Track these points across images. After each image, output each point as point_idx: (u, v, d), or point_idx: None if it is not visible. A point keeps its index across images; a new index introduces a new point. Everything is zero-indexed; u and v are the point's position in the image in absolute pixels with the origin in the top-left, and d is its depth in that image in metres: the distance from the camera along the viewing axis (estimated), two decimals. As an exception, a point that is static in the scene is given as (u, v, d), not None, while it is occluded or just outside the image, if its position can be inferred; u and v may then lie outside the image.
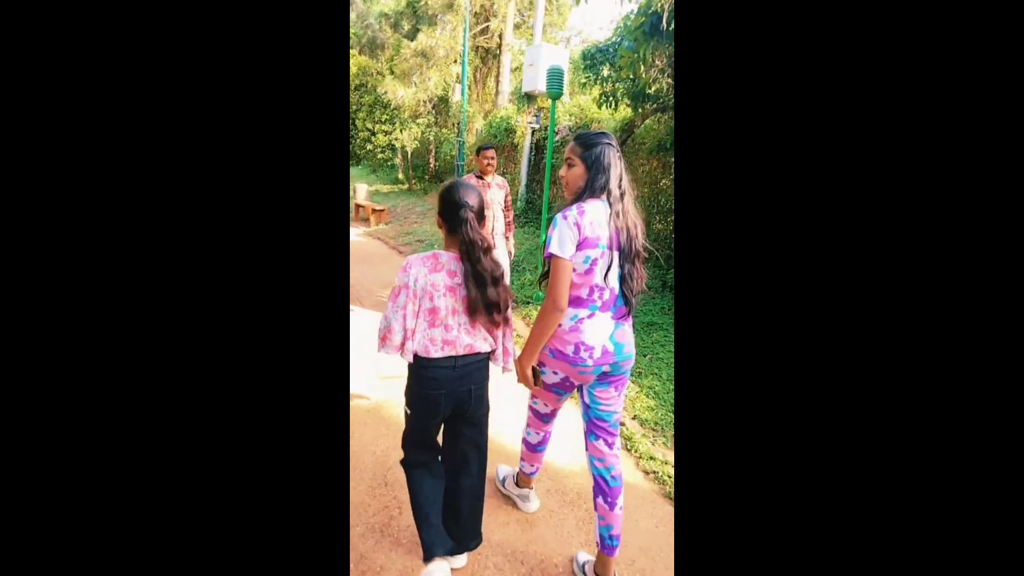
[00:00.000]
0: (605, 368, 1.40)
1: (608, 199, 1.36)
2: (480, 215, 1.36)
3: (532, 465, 1.78)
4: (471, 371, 1.38)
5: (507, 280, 1.54)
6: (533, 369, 1.46)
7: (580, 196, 1.38)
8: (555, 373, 1.44)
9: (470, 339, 1.35)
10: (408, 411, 1.42)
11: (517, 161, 8.29)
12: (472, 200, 1.34)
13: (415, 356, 1.32)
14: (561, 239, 1.30)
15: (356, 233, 9.00)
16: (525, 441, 1.74)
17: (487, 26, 11.34)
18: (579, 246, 1.31)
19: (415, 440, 1.45)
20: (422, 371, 1.34)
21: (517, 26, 12.02)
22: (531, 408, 1.67)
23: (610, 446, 1.48)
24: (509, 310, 1.43)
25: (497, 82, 11.53)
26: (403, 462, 1.49)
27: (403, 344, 1.31)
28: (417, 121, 11.71)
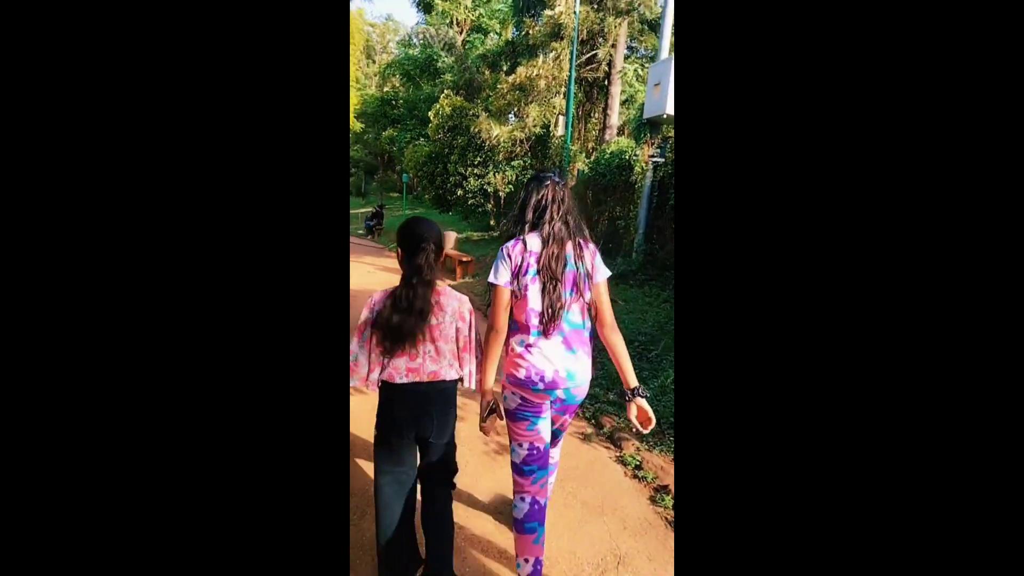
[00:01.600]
0: (559, 394, 1.44)
1: (539, 231, 1.43)
2: (439, 250, 1.43)
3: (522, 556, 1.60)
4: (433, 396, 1.41)
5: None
6: (491, 410, 1.49)
7: (514, 230, 1.48)
8: (513, 395, 1.48)
9: (435, 366, 1.41)
10: (376, 431, 1.46)
11: (634, 203, 6.60)
12: (431, 234, 1.41)
13: (382, 382, 1.41)
14: (496, 269, 1.42)
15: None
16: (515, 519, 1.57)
17: (594, 55, 10.07)
18: (514, 274, 1.39)
19: (383, 456, 1.47)
20: (387, 394, 1.41)
21: (625, 57, 10.63)
22: (512, 463, 1.54)
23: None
24: (473, 336, 1.48)
25: (605, 115, 10.10)
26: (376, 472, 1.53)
27: (368, 376, 1.40)
28: (512, 163, 10.61)
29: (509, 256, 1.39)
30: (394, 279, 1.41)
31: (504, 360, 1.47)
